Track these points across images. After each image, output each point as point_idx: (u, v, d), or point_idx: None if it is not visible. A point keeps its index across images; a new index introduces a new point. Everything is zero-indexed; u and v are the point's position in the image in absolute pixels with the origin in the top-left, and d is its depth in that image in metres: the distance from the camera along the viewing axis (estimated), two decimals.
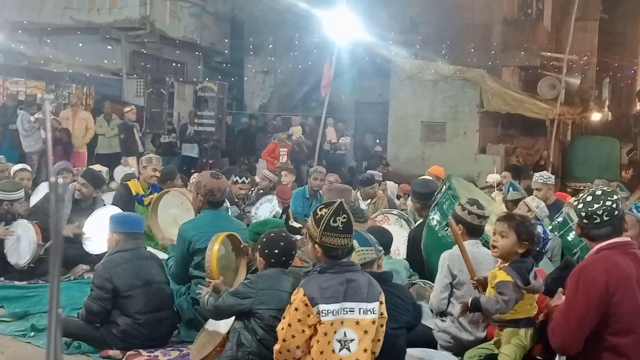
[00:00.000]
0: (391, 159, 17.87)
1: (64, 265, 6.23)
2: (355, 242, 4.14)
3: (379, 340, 3.68)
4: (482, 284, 4.28)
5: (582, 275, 3.55)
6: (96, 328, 5.06)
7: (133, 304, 5.04)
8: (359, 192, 9.24)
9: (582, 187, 12.73)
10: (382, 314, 3.66)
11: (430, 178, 8.67)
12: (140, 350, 5.03)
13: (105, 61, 17.31)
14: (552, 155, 17.19)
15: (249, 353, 4.08)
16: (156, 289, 5.21)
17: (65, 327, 4.65)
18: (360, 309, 3.55)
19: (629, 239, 3.77)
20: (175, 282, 5.47)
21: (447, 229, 5.39)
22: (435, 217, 5.96)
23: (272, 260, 4.25)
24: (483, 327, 4.79)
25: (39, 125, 12.45)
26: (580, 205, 3.68)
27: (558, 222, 6.87)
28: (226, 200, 6.72)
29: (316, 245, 3.60)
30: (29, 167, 9.44)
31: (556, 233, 6.58)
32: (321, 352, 3.48)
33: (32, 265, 6.92)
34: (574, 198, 5.17)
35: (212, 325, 4.71)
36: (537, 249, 4.41)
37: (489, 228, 5.09)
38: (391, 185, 11.08)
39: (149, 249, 5.77)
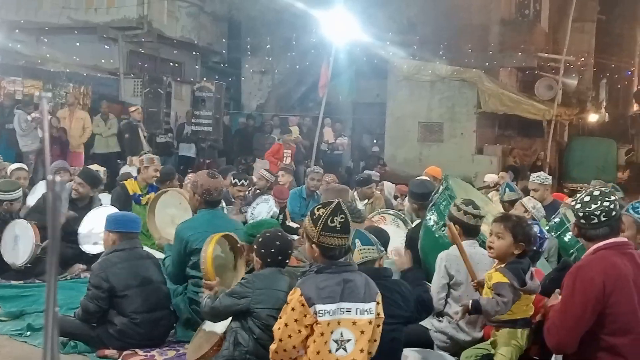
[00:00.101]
0: (388, 160, 17.90)
1: (60, 264, 6.22)
2: (357, 241, 4.20)
3: (375, 341, 3.68)
4: (482, 286, 4.29)
5: (579, 275, 3.56)
6: (93, 327, 5.06)
7: (130, 303, 5.04)
8: (356, 192, 9.24)
9: (579, 188, 12.74)
10: (378, 314, 3.66)
11: (428, 178, 8.67)
12: (137, 350, 5.03)
13: (103, 61, 17.29)
14: (549, 156, 17.24)
15: (246, 352, 4.09)
16: (153, 288, 5.21)
17: (62, 326, 4.64)
18: (357, 309, 3.55)
19: (626, 240, 3.79)
20: (172, 282, 5.47)
21: (444, 229, 5.39)
22: (432, 218, 5.97)
23: (269, 260, 4.26)
24: (480, 327, 4.80)
25: (36, 125, 12.44)
26: (578, 206, 3.69)
27: (555, 222, 6.88)
28: (222, 201, 6.71)
29: (313, 245, 3.59)
30: (25, 167, 9.43)
31: (553, 233, 6.59)
32: (318, 352, 3.48)
33: (28, 265, 6.91)
34: (571, 198, 5.19)
35: (209, 325, 4.70)
36: (534, 248, 4.42)
37: (485, 228, 5.09)
38: (388, 186, 11.08)
39: (146, 248, 5.76)
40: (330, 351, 3.49)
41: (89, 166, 9.99)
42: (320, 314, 3.46)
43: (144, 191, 8.11)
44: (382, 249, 4.43)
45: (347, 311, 3.52)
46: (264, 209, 8.45)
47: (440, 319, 4.87)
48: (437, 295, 4.82)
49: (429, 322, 4.93)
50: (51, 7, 17.19)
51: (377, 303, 3.65)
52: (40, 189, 8.43)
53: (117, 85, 16.94)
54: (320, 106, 14.41)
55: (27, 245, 6.88)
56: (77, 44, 16.93)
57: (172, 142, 16.21)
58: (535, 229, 4.53)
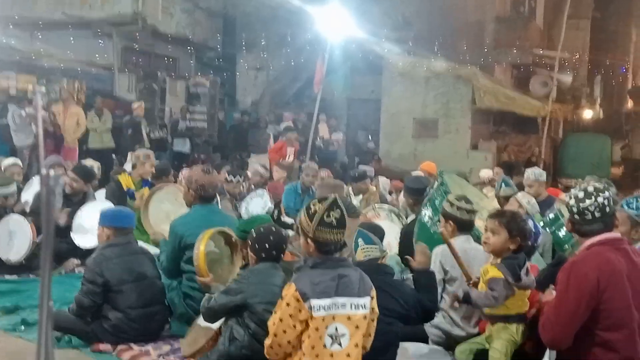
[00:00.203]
0: (383, 155, 17.91)
1: (54, 259, 6.22)
2: (360, 240, 4.25)
3: (370, 335, 3.69)
4: (477, 285, 4.30)
5: (573, 270, 3.57)
6: (87, 322, 5.06)
7: (124, 298, 5.04)
8: (351, 187, 9.25)
9: (573, 184, 12.76)
10: (373, 308, 3.67)
11: (423, 174, 8.69)
12: (132, 345, 5.03)
13: (97, 56, 17.21)
14: (544, 152, 17.26)
15: (242, 347, 4.09)
16: (147, 283, 5.21)
17: (56, 321, 4.64)
18: (351, 304, 3.55)
19: (620, 235, 3.80)
20: (167, 277, 5.46)
21: (439, 224, 5.40)
22: (427, 213, 5.97)
23: (263, 255, 4.26)
24: (475, 323, 4.81)
25: (30, 120, 12.40)
26: (572, 201, 3.70)
27: (549, 218, 6.89)
28: (217, 195, 6.71)
29: (309, 240, 3.60)
30: (19, 162, 9.40)
31: (547, 229, 6.60)
32: (312, 347, 3.48)
33: (23, 261, 6.89)
34: (566, 194, 5.19)
35: (204, 320, 4.71)
36: (529, 243, 4.43)
37: (480, 224, 5.10)
38: (383, 181, 11.08)
39: (140, 243, 5.76)
40: (325, 346, 3.50)
41: (83, 161, 9.97)
42: (315, 309, 3.46)
43: (138, 186, 8.10)
44: (384, 249, 4.48)
45: (341, 306, 3.52)
46: (258, 204, 8.45)
47: (436, 314, 4.88)
48: None
49: None
50: (46, 2, 17.10)
51: (372, 298, 3.65)
52: (35, 184, 8.41)
53: (112, 81, 16.89)
54: (315, 102, 14.38)
55: (23, 241, 6.87)
56: (72, 40, 16.85)
57: (167, 137, 16.19)
58: (530, 224, 4.53)
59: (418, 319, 4.38)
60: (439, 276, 4.81)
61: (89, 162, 9.50)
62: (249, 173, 10.01)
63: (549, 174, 13.80)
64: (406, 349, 4.57)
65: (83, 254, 6.87)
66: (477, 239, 4.83)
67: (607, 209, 3.63)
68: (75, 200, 7.56)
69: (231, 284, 4.28)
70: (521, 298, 4.13)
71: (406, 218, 7.31)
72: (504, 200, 7.58)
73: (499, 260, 4.14)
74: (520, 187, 8.16)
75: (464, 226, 4.91)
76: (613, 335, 3.52)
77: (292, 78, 20.17)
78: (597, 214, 3.62)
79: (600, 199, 3.62)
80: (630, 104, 29.33)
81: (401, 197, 8.55)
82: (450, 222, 4.89)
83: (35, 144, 12.44)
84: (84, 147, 14.03)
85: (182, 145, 16.15)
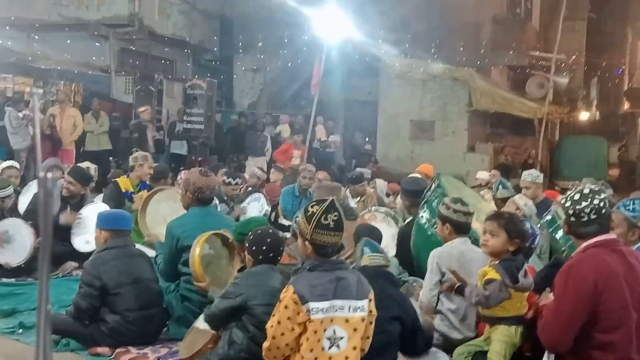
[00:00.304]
0: (380, 157, 17.92)
1: (52, 262, 6.20)
2: (366, 249, 4.28)
3: (368, 338, 3.69)
4: None
5: (570, 273, 3.58)
6: (85, 325, 5.05)
7: (122, 301, 5.03)
8: (348, 189, 9.25)
9: (570, 186, 12.77)
10: (371, 311, 3.67)
11: (420, 176, 8.69)
12: (130, 348, 5.02)
13: (94, 58, 17.21)
14: (541, 154, 17.29)
15: (241, 351, 4.09)
16: (145, 286, 5.20)
17: (54, 324, 4.63)
18: (349, 306, 3.55)
19: (615, 237, 3.81)
20: (164, 280, 5.46)
21: (436, 227, 5.41)
22: (424, 215, 5.98)
23: (260, 257, 4.26)
24: (473, 326, 4.81)
25: (27, 122, 12.37)
26: (568, 203, 3.71)
27: (546, 220, 6.90)
28: (215, 198, 6.70)
29: (306, 242, 3.60)
30: (17, 165, 9.36)
31: (544, 231, 6.61)
32: (311, 350, 3.48)
33: (22, 265, 6.88)
34: (562, 196, 5.21)
35: (202, 322, 4.70)
36: (527, 244, 4.45)
37: (478, 226, 5.11)
38: (381, 184, 11.07)
39: (138, 246, 5.75)
40: (323, 349, 3.50)
41: (80, 164, 9.95)
42: (313, 312, 3.46)
43: (136, 189, 8.09)
44: (389, 258, 4.52)
45: (340, 309, 3.52)
46: (255, 208, 8.45)
47: (433, 316, 4.88)
48: (429, 292, 4.83)
49: (421, 320, 4.93)
50: (42, 4, 17.10)
51: (370, 300, 3.65)
52: (33, 188, 8.38)
53: (109, 83, 16.88)
54: (312, 104, 14.39)
55: (22, 244, 6.85)
56: (68, 41, 16.84)
57: (164, 139, 16.17)
58: (527, 225, 4.55)
59: (416, 340, 4.43)
60: (436, 278, 4.82)
61: (86, 165, 9.47)
62: (246, 175, 10.00)
63: (545, 176, 13.82)
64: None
65: (81, 257, 6.85)
66: (475, 242, 4.84)
67: (603, 211, 3.64)
68: (72, 203, 7.54)
69: (229, 287, 4.28)
70: (519, 300, 4.14)
71: (403, 221, 7.31)
72: (501, 202, 7.59)
73: (497, 262, 4.14)
74: (517, 189, 8.17)
75: (461, 228, 4.92)
76: (611, 337, 3.52)
77: (289, 80, 20.18)
78: (593, 216, 3.63)
79: (596, 201, 3.63)
80: (626, 105, 29.43)
81: (398, 199, 8.54)
82: (447, 224, 4.90)
83: (32, 146, 12.42)
84: (80, 149, 14.02)
85: (180, 148, 16.12)
